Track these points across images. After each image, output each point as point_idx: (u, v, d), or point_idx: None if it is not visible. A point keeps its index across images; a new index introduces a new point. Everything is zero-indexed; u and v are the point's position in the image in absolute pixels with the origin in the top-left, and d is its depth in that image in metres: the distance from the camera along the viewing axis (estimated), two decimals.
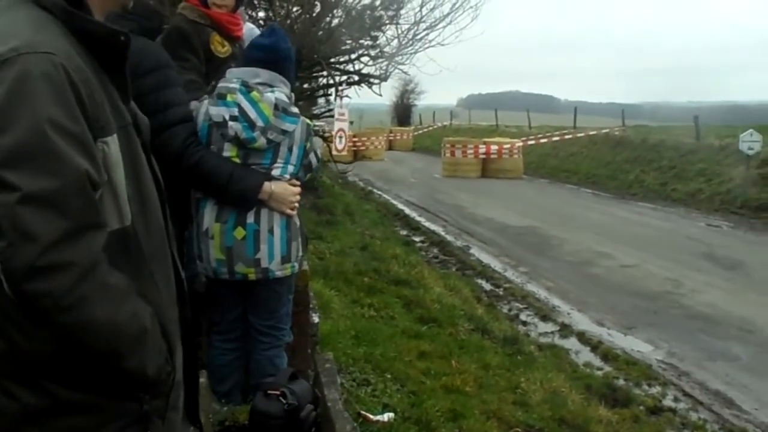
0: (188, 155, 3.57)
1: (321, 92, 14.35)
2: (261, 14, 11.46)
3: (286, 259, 3.76)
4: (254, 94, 3.62)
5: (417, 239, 14.92)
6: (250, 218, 3.68)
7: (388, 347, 6.11)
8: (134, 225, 1.75)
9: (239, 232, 3.68)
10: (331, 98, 14.06)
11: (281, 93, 3.68)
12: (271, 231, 3.70)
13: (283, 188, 3.71)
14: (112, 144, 1.68)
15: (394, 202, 20.37)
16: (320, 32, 11.52)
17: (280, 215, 3.71)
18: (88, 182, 1.56)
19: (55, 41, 1.61)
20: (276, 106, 3.62)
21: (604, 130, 28.60)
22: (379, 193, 22.32)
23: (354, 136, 32.15)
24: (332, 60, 12.45)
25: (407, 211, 18.74)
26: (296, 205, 3.78)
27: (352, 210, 15.52)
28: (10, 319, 1.59)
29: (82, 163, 1.55)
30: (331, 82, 13.01)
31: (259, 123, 3.60)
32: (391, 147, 38.94)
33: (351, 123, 18.53)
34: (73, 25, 1.68)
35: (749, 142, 18.05)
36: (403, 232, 15.57)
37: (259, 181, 3.65)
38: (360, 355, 5.65)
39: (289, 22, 11.06)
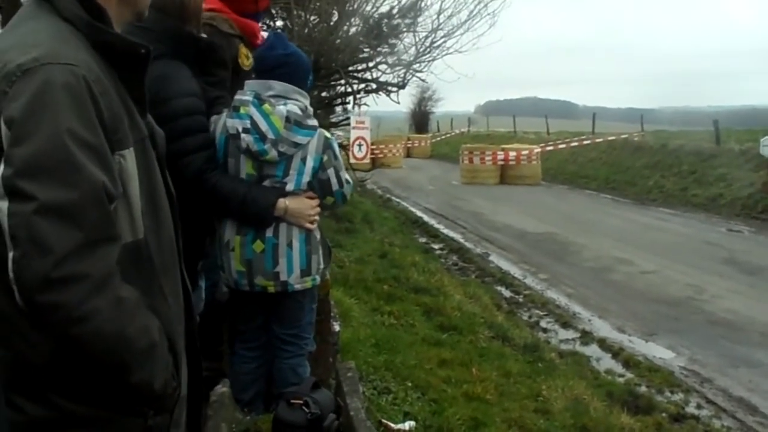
0: (203, 182, 3.57)
1: (339, 100, 14.39)
2: (279, 23, 11.52)
3: (305, 272, 3.76)
4: (266, 106, 3.61)
5: (436, 246, 14.91)
6: (269, 232, 3.67)
7: (408, 355, 6.11)
8: (146, 238, 1.75)
9: (258, 246, 3.68)
10: (349, 106, 14.11)
11: (294, 105, 3.65)
12: (290, 245, 3.70)
13: (299, 203, 3.70)
14: (129, 157, 1.69)
15: (413, 209, 20.36)
16: (338, 41, 11.56)
17: (299, 229, 3.71)
18: (104, 194, 1.57)
19: (76, 53, 1.62)
20: (287, 119, 3.60)
21: (623, 136, 28.49)
22: (398, 200, 22.34)
23: (372, 144, 32.21)
24: (350, 68, 12.48)
25: (426, 218, 18.72)
26: (316, 218, 3.77)
27: (371, 218, 15.55)
28: (18, 331, 1.59)
29: (99, 175, 1.55)
30: (349, 90, 13.06)
31: (270, 135, 3.58)
32: (409, 154, 38.95)
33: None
34: (93, 38, 1.69)
35: None
36: (422, 240, 15.57)
37: (272, 200, 3.63)
38: (380, 363, 5.65)
39: (306, 30, 11.10)
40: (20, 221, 1.47)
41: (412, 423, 4.57)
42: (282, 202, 3.64)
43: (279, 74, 3.67)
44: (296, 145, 3.65)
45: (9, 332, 1.60)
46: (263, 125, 3.59)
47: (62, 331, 1.54)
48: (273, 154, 3.62)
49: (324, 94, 13.54)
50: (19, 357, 1.61)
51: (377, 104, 14.19)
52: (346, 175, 3.89)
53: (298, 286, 3.76)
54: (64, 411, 1.64)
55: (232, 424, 3.62)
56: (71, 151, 1.52)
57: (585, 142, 28.56)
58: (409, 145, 40.27)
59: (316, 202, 3.76)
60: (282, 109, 3.61)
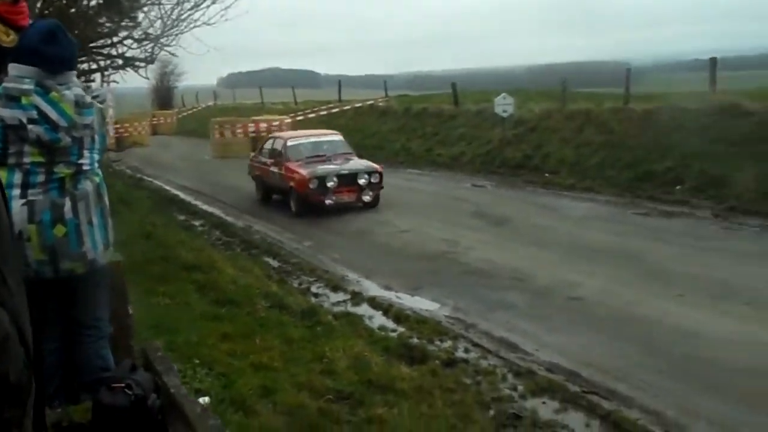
0: None
1: (83, 78, 13.68)
2: None
3: (107, 245, 3.74)
4: (53, 94, 3.45)
5: (197, 223, 14.74)
6: (69, 214, 3.54)
7: (189, 333, 6.12)
8: None
9: (59, 229, 3.53)
10: (95, 84, 13.46)
11: (77, 87, 3.59)
12: (90, 222, 3.62)
13: None
14: None
15: (167, 187, 19.95)
16: (77, 15, 10.99)
17: (95, 206, 3.61)
18: None
19: None
20: (77, 103, 3.50)
21: (368, 102, 29.36)
22: (150, 179, 21.78)
23: (116, 122, 30.94)
24: (93, 44, 11.91)
25: (182, 195, 18.43)
26: None
27: (126, 199, 15.07)
28: None
29: None
30: (95, 67, 12.46)
31: (62, 123, 3.47)
32: (155, 131, 37.73)
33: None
34: None
35: (503, 105, 19.23)
36: (182, 217, 15.32)
37: None
38: (162, 345, 5.57)
39: (43, 4, 10.45)
40: None
41: (206, 399, 4.59)
42: None
43: (73, 65, 3.58)
44: (86, 126, 3.57)
45: None
46: (53, 114, 3.44)
47: None
48: (66, 140, 3.52)
49: None
50: None
51: (125, 81, 13.70)
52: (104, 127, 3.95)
53: (103, 261, 3.70)
54: None
55: None
56: None
57: (333, 110, 29.16)
58: (154, 122, 38.94)
59: None
60: (69, 94, 3.50)
